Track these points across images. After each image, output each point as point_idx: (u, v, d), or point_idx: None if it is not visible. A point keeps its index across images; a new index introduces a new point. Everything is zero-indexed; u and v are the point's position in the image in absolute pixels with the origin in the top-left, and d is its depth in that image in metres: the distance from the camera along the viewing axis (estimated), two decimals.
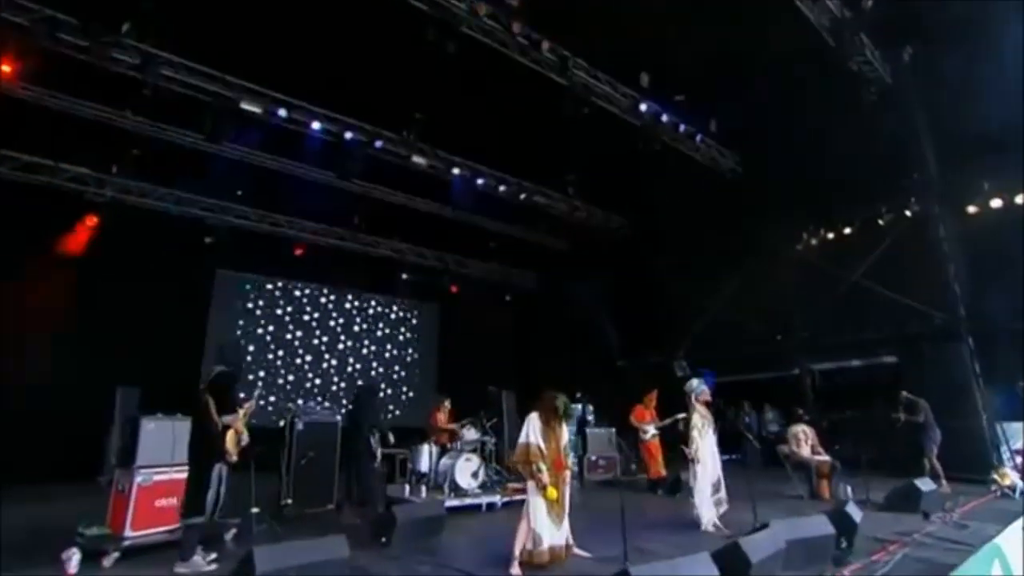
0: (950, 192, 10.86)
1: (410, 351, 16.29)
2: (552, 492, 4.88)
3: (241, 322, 13.45)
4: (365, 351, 15.41)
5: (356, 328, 15.41)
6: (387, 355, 15.81)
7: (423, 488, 7.68)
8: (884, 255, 11.51)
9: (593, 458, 10.88)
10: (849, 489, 8.30)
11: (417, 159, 11.40)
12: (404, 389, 15.82)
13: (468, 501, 7.52)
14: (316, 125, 10.46)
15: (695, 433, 6.54)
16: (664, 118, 11.15)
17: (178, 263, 11.80)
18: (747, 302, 13.45)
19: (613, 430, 11.23)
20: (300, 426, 7.31)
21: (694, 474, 6.46)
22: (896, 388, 10.71)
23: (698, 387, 6.85)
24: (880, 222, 11.65)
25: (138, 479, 5.56)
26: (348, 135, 10.77)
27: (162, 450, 5.65)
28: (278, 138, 10.73)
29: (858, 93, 10.20)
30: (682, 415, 8.03)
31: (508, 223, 15.46)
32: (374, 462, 6.95)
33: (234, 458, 4.92)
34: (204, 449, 4.90)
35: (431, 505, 5.99)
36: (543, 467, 4.89)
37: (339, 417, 7.84)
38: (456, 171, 12.22)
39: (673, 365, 15.14)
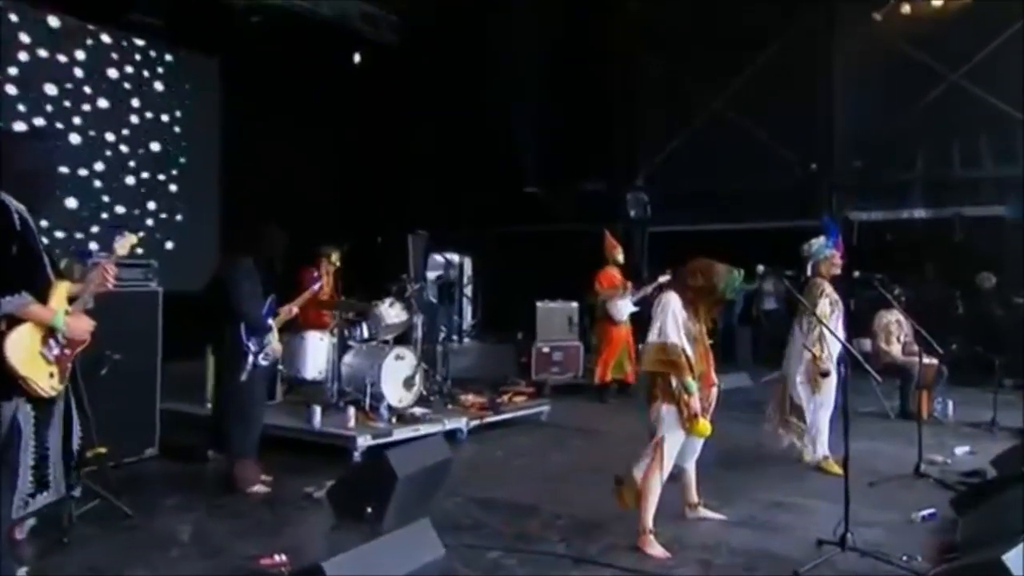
0: None
1: (167, 144, 13.51)
2: (703, 426, 4.73)
3: None
4: (83, 134, 12.25)
5: (59, 87, 12.03)
6: (123, 146, 12.91)
7: (350, 412, 6.98)
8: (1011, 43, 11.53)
9: (545, 349, 10.79)
10: (951, 405, 8.68)
11: None
12: (159, 214, 13.31)
13: (422, 430, 7.04)
14: None
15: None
16: None
17: None
18: (768, 105, 13.39)
19: (574, 305, 11.29)
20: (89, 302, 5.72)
21: (816, 386, 6.48)
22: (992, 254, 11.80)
23: (820, 250, 6.71)
24: None
25: None
26: None
27: None
28: None
29: None
30: (665, 277, 8.57)
31: None
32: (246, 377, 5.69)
33: (45, 387, 3.81)
34: None
35: (431, 448, 5.37)
36: (692, 386, 4.64)
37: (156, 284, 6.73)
38: None
39: (627, 198, 15.15)
